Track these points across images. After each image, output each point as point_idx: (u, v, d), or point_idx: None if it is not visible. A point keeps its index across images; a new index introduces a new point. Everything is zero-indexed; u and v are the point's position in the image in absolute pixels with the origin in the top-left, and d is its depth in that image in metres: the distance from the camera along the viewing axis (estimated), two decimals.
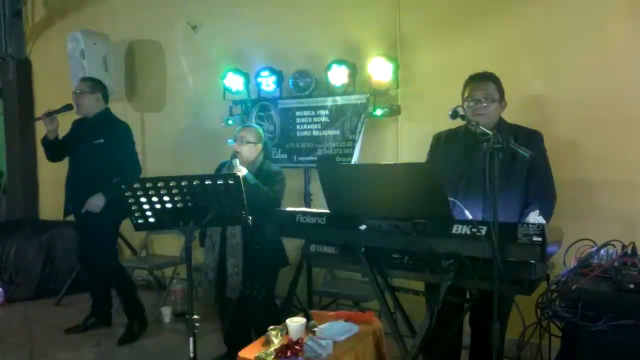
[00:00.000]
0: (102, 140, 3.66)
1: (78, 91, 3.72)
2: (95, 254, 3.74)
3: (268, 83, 3.99)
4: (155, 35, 5.01)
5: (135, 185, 2.32)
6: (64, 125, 3.86)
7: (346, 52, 3.71)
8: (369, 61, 3.56)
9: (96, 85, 3.80)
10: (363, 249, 2.36)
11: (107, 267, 3.79)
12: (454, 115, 2.19)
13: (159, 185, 2.30)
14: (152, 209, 2.36)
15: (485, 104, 2.51)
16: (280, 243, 3.23)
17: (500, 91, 2.58)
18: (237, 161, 3.07)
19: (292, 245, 3.73)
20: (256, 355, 2.29)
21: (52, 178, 3.95)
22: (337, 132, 3.75)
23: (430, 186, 2.12)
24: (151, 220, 2.40)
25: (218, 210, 2.32)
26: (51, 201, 3.91)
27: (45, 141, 3.73)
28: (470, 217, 2.27)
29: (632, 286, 1.84)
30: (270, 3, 4.24)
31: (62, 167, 3.89)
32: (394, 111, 3.65)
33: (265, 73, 3.97)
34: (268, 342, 2.39)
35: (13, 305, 4.49)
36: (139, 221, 2.42)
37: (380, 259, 2.35)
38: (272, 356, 2.27)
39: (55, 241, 4.98)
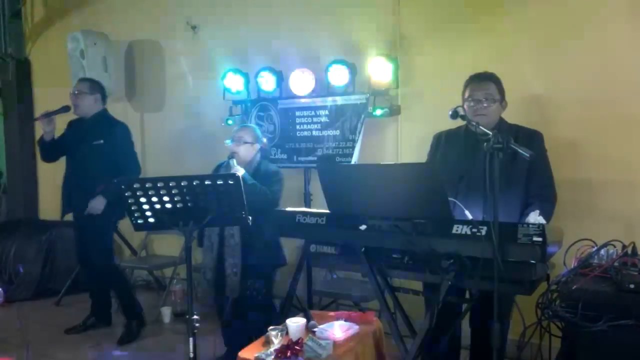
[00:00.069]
0: (101, 141, 3.66)
1: (76, 92, 3.71)
2: (92, 254, 3.75)
3: (268, 83, 3.99)
4: (155, 35, 5.01)
5: (135, 186, 2.32)
6: (60, 125, 3.85)
7: (346, 52, 3.71)
8: (369, 61, 3.56)
9: (95, 86, 3.80)
10: (363, 249, 2.36)
11: (104, 267, 3.79)
12: (454, 115, 2.19)
13: (158, 185, 2.29)
14: (151, 209, 2.36)
15: (486, 104, 2.51)
16: (278, 243, 3.23)
17: (501, 91, 2.58)
18: (234, 161, 3.07)
19: (292, 245, 3.73)
20: (256, 355, 2.29)
21: (52, 178, 3.95)
22: (337, 132, 3.75)
23: (430, 186, 2.12)
24: (151, 220, 2.40)
25: (218, 210, 2.32)
26: (51, 201, 3.91)
27: (42, 142, 3.72)
28: (470, 217, 2.27)
29: (632, 286, 1.84)
30: (270, 3, 4.23)
31: (62, 167, 3.89)
32: (394, 111, 3.65)
33: (265, 73, 3.97)
34: (268, 342, 2.39)
35: (13, 305, 4.49)
36: (139, 221, 2.41)
37: (381, 259, 2.36)
38: (272, 356, 2.27)
39: (55, 241, 4.97)
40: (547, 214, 2.38)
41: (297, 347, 2.29)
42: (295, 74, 3.83)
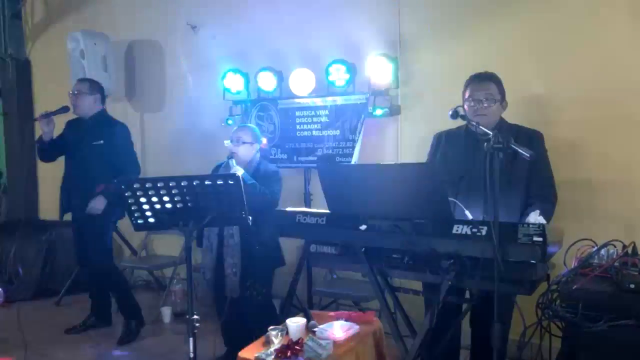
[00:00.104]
0: (101, 142, 3.67)
1: (76, 92, 3.71)
2: (91, 254, 3.75)
3: (268, 83, 3.98)
4: (155, 35, 5.01)
5: (135, 186, 2.32)
6: (59, 126, 3.84)
7: (346, 52, 3.71)
8: (369, 61, 3.55)
9: (95, 86, 3.80)
10: (363, 249, 2.36)
11: (103, 267, 3.79)
12: (454, 115, 2.19)
13: (158, 185, 2.29)
14: (151, 209, 2.36)
15: (486, 105, 2.51)
16: (277, 243, 3.23)
17: (502, 91, 2.58)
18: (233, 162, 3.07)
19: (292, 245, 3.73)
20: (256, 355, 2.29)
21: (52, 178, 3.95)
22: (337, 132, 3.75)
23: (430, 186, 2.12)
24: (151, 220, 2.40)
25: (218, 210, 2.32)
26: (51, 201, 3.91)
27: (41, 142, 3.71)
28: (470, 217, 2.27)
29: (632, 286, 1.84)
30: (270, 3, 4.23)
31: (62, 167, 3.88)
32: (394, 111, 3.65)
33: (265, 73, 3.97)
34: (268, 342, 2.39)
35: (13, 305, 4.48)
36: (139, 221, 2.41)
37: (381, 259, 2.35)
38: (272, 356, 2.27)
39: (55, 241, 4.97)
40: (548, 214, 2.38)
41: (297, 347, 2.29)
42: (295, 74, 3.83)
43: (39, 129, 3.72)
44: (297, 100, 3.93)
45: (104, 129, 3.73)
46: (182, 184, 2.28)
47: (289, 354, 2.27)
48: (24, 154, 5.87)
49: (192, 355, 2.31)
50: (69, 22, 5.50)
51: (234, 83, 4.12)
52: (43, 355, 3.56)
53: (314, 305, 3.86)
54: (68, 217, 3.86)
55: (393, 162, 3.56)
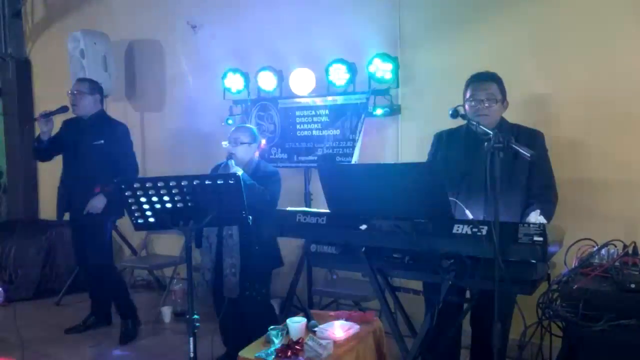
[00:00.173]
0: (102, 141, 3.68)
1: (76, 92, 3.71)
2: (90, 253, 3.75)
3: (268, 83, 3.98)
4: (155, 35, 5.01)
5: (135, 185, 2.32)
6: (55, 125, 3.83)
7: (346, 52, 3.70)
8: (369, 60, 3.55)
9: (94, 87, 3.80)
10: (363, 248, 2.36)
11: (102, 267, 3.79)
12: (455, 114, 2.19)
13: (159, 185, 2.29)
14: (152, 208, 2.36)
15: (487, 105, 2.51)
16: (276, 243, 3.23)
17: (503, 91, 2.57)
18: (232, 162, 3.06)
19: (292, 245, 3.73)
20: (257, 354, 2.29)
21: (52, 178, 3.95)
22: (337, 132, 3.75)
23: (431, 186, 2.12)
24: (151, 220, 2.40)
25: (218, 209, 2.31)
26: (51, 201, 3.91)
27: (39, 141, 3.70)
28: (471, 216, 2.26)
29: (633, 286, 1.84)
30: (270, 2, 4.23)
31: (61, 167, 3.88)
32: (394, 111, 3.65)
33: (265, 73, 3.97)
34: (268, 342, 2.39)
35: (13, 305, 4.48)
36: (139, 221, 2.41)
37: (381, 259, 2.35)
38: (273, 356, 2.27)
39: (55, 241, 4.98)
40: (548, 214, 2.38)
41: (298, 347, 2.29)
42: (296, 74, 3.83)
43: (38, 129, 3.72)
44: (297, 99, 3.93)
45: (105, 128, 3.74)
46: (183, 183, 2.28)
47: (289, 353, 2.27)
48: (24, 154, 5.86)
49: (192, 354, 2.31)
50: (69, 22, 5.51)
51: (234, 82, 4.12)
52: (43, 354, 3.56)
53: (314, 305, 3.86)
54: (66, 217, 3.86)
55: (393, 162, 3.56)
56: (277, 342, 2.36)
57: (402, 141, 3.74)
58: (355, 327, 2.50)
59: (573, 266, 2.09)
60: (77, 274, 4.60)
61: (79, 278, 4.54)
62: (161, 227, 2.43)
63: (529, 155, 2.02)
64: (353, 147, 3.65)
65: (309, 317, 2.58)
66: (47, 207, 5.81)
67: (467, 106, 2.56)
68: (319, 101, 3.83)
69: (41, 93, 5.92)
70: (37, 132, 3.75)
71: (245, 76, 4.10)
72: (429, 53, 3.58)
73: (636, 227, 2.86)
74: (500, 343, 2.04)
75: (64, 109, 3.71)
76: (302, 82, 3.82)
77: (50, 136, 3.71)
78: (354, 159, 3.64)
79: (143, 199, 2.33)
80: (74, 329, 3.96)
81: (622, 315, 1.81)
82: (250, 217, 2.39)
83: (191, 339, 2.30)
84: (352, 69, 3.61)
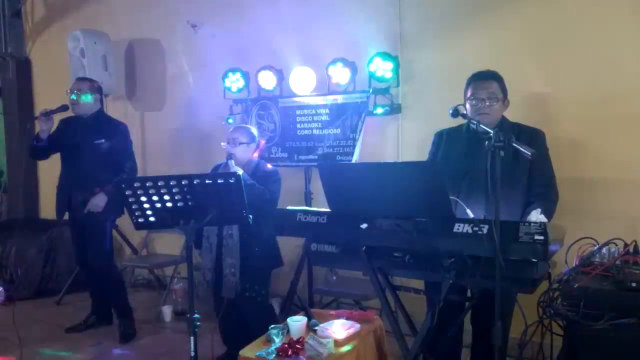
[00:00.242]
0: (102, 140, 3.68)
1: (76, 91, 3.71)
2: (91, 252, 3.75)
3: (268, 82, 3.98)
4: (155, 34, 5.00)
5: (135, 185, 2.32)
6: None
7: (347, 51, 3.70)
8: (370, 59, 3.55)
9: (94, 86, 3.80)
10: (364, 247, 2.36)
11: (102, 266, 3.79)
12: (455, 113, 2.19)
13: (159, 184, 2.29)
14: (152, 208, 2.35)
15: (488, 103, 2.50)
16: (276, 244, 3.23)
17: (504, 90, 2.57)
18: (232, 162, 3.06)
19: (292, 244, 3.73)
20: (257, 354, 2.29)
21: (52, 177, 3.94)
22: (338, 131, 3.75)
23: (431, 185, 2.12)
24: (151, 219, 2.39)
25: (218, 209, 2.31)
26: (51, 201, 3.91)
27: (38, 140, 3.70)
28: (471, 215, 2.26)
29: (634, 284, 1.84)
30: (270, 2, 4.23)
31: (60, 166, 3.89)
32: (395, 109, 3.65)
33: (266, 72, 3.97)
34: (269, 341, 2.39)
35: (13, 305, 4.48)
36: (140, 220, 2.41)
37: (382, 258, 2.35)
38: (274, 355, 2.27)
39: (55, 240, 4.98)
40: (549, 213, 2.37)
41: (299, 346, 2.29)
42: (296, 73, 3.83)
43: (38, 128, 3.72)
44: (297, 98, 3.93)
45: (105, 127, 3.75)
46: (183, 182, 2.27)
47: (290, 352, 2.27)
48: (24, 153, 5.87)
49: (192, 354, 2.31)
50: (69, 21, 5.50)
51: (235, 82, 4.12)
52: (44, 354, 3.56)
53: (314, 304, 3.86)
54: (66, 216, 3.86)
55: (394, 161, 3.56)
56: (278, 341, 2.36)
57: (403, 140, 3.74)
58: (355, 326, 2.50)
59: (574, 265, 2.09)
60: (77, 273, 4.60)
61: (80, 277, 4.54)
62: (162, 226, 2.43)
63: (529, 154, 2.02)
64: (353, 146, 3.65)
65: (309, 316, 2.58)
66: (48, 206, 5.80)
67: (468, 105, 2.55)
68: (319, 100, 3.83)
69: (41, 92, 5.91)
70: (37, 131, 3.74)
71: (246, 75, 4.10)
72: (429, 52, 3.58)
73: (637, 226, 2.85)
74: (500, 342, 2.04)
75: (64, 108, 3.71)
76: (302, 81, 3.82)
77: (49, 134, 3.71)
78: (355, 158, 3.63)
79: (143, 198, 2.33)
80: (74, 328, 3.96)
81: (623, 314, 1.81)
82: (251, 216, 2.39)
83: (192, 338, 2.30)
84: (352, 67, 3.61)
